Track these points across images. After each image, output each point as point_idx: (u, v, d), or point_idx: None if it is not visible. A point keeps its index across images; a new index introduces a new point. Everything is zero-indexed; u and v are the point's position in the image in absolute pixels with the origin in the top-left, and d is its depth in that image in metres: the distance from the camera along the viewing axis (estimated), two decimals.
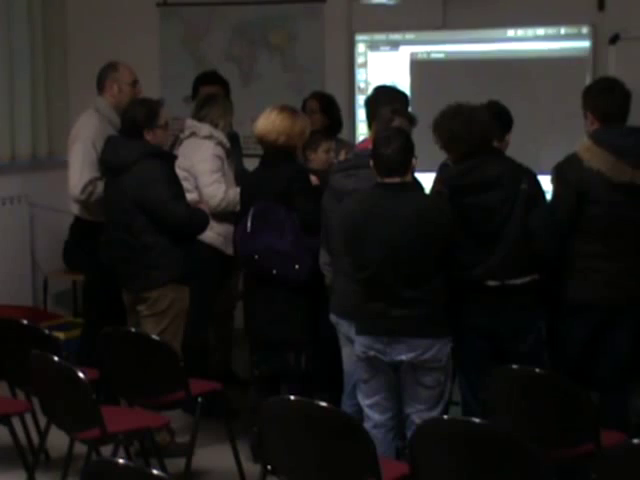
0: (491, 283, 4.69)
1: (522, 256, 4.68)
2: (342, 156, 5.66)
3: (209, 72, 6.89)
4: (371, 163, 4.55)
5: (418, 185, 4.75)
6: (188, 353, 5.31)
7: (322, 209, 4.98)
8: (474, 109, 4.75)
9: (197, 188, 5.84)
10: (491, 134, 4.76)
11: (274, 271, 5.07)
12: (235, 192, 5.76)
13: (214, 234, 5.78)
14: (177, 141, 6.06)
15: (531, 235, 4.66)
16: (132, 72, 6.03)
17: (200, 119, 5.99)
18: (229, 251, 5.82)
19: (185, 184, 5.62)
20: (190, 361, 5.12)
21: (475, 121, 4.68)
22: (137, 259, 5.34)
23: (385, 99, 5.07)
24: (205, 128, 5.93)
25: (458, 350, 4.71)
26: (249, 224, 5.10)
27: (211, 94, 6.26)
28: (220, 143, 5.92)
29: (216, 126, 5.96)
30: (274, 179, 5.17)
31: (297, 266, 5.05)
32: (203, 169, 5.85)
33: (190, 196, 5.62)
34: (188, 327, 5.49)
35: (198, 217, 5.48)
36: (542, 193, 4.73)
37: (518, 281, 4.70)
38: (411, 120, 4.93)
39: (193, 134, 5.94)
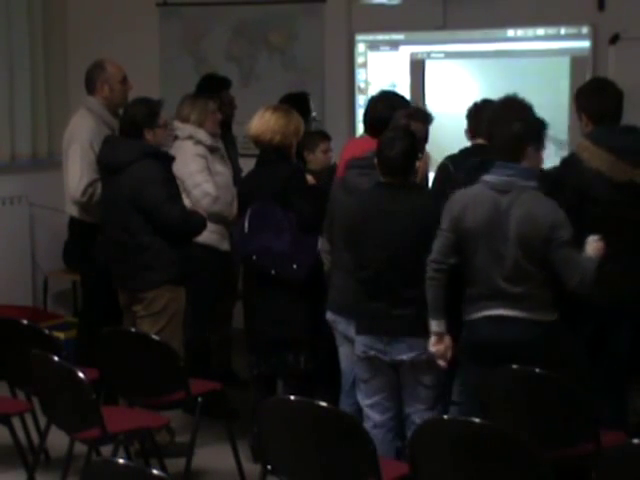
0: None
1: None
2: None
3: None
4: (375, 161, 4.56)
5: (419, 185, 4.75)
6: (188, 353, 5.30)
7: (330, 198, 4.96)
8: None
9: (185, 190, 5.79)
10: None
11: (272, 271, 5.07)
12: (233, 195, 5.74)
13: (207, 232, 5.72)
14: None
15: None
16: (120, 69, 5.94)
17: (183, 120, 5.97)
18: (224, 247, 5.82)
19: None
20: (190, 361, 5.11)
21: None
22: (133, 259, 5.33)
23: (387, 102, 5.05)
24: (186, 129, 5.91)
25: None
26: (246, 224, 5.10)
27: (191, 94, 6.23)
28: (199, 141, 5.89)
29: (201, 125, 5.93)
30: (271, 179, 5.16)
31: (295, 266, 5.04)
32: (188, 171, 5.82)
33: None
34: (188, 327, 5.49)
35: (194, 219, 5.46)
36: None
37: None
38: (426, 119, 4.92)
39: (177, 136, 5.93)
